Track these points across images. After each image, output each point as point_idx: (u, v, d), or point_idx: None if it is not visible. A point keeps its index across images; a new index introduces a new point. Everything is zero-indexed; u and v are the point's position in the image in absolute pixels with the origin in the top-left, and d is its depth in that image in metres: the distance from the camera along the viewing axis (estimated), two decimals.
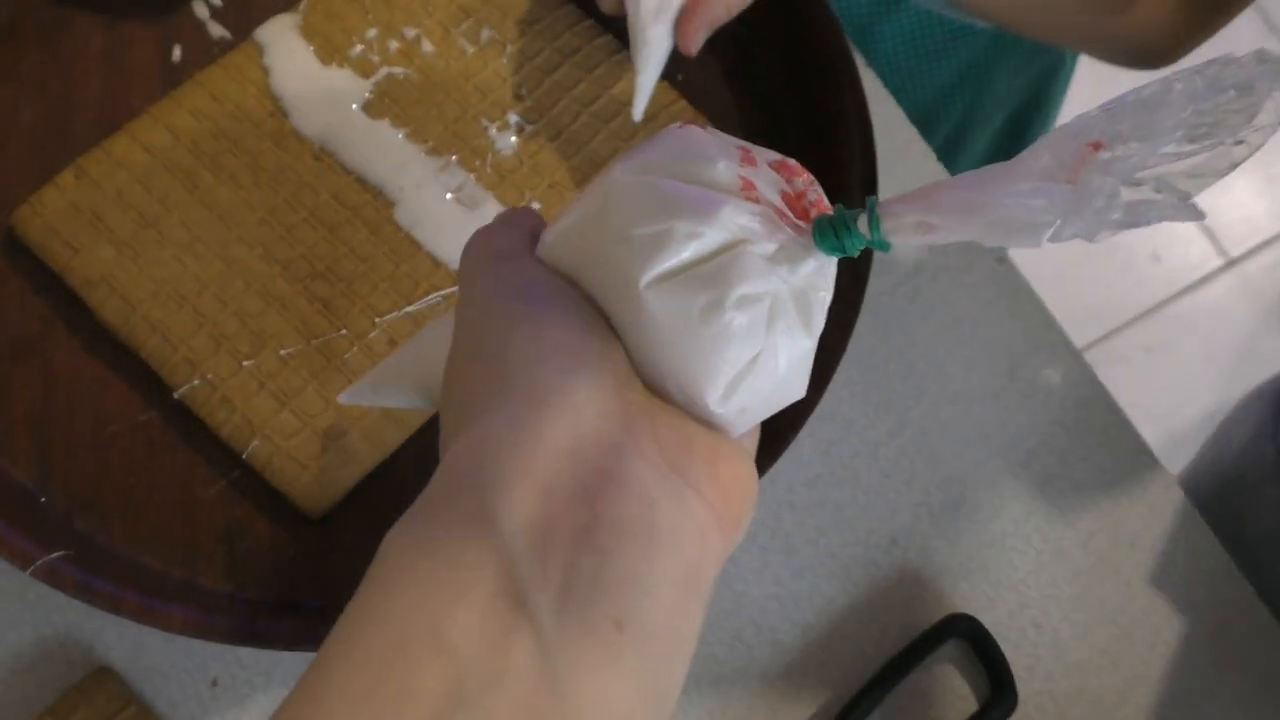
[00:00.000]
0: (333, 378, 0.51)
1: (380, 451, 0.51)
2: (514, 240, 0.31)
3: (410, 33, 0.58)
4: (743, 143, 0.30)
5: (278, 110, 0.56)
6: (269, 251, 0.53)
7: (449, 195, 0.55)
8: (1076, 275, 1.85)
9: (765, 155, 0.29)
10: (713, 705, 0.51)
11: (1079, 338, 1.89)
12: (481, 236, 0.32)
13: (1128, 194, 0.23)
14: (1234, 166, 0.23)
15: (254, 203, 0.54)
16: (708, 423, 0.28)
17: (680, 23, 0.50)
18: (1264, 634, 0.56)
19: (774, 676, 0.52)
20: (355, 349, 0.52)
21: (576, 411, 0.25)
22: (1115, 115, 0.24)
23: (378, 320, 0.52)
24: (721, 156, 0.28)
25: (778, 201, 0.28)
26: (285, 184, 0.54)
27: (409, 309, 0.52)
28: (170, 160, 0.54)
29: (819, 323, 0.29)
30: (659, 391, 0.28)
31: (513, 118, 0.57)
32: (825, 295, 0.29)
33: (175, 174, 0.54)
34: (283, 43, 0.57)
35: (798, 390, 0.29)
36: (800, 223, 0.28)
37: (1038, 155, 0.24)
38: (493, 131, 0.56)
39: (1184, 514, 0.57)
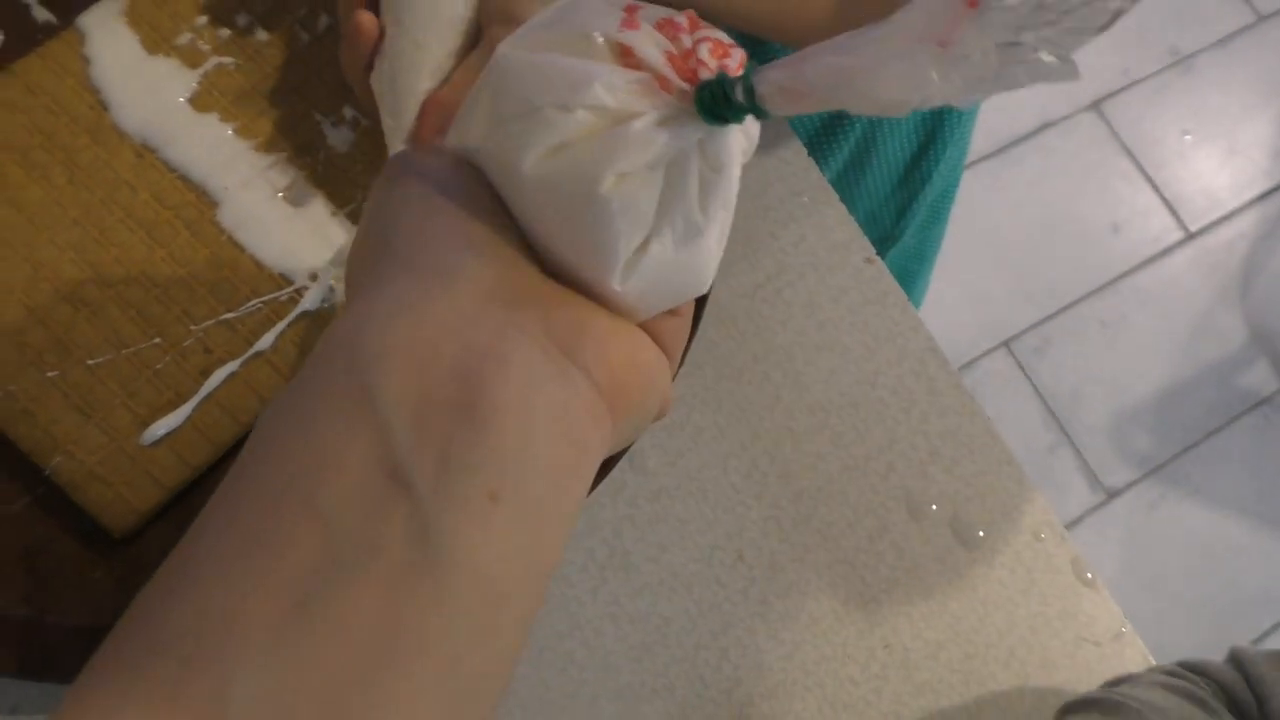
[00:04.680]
0: (143, 389, 0.49)
1: (190, 469, 0.48)
2: (424, 149, 0.31)
3: (243, 20, 0.55)
4: (631, 2, 0.28)
5: (98, 103, 0.53)
6: (81, 254, 0.50)
7: (278, 194, 0.52)
8: (1035, 247, 1.83)
9: (653, 14, 0.28)
10: None
11: (1037, 312, 1.88)
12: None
13: (1001, 55, 0.22)
14: (1113, 19, 0.22)
15: (67, 202, 0.51)
16: (608, 304, 0.28)
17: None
18: (1122, 657, 0.54)
19: (605, 701, 0.50)
20: (168, 359, 0.49)
21: (460, 288, 0.25)
22: None
23: (194, 328, 0.50)
24: (598, 22, 0.27)
25: (661, 66, 0.27)
26: (102, 182, 0.51)
27: (227, 316, 0.50)
28: None
29: (718, 202, 0.28)
30: (559, 272, 0.28)
31: (348, 112, 0.54)
32: (719, 175, 0.28)
33: None
34: (106, 30, 0.54)
35: (700, 280, 0.29)
36: (685, 86, 0.27)
37: (910, 16, 0.23)
38: (327, 126, 0.54)
39: (1046, 527, 0.55)
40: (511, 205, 0.28)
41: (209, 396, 0.49)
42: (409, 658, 0.22)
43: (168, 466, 0.48)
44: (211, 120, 0.53)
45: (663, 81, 0.26)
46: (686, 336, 0.32)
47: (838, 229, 0.58)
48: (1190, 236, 1.85)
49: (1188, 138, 1.91)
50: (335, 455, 0.23)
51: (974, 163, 1.79)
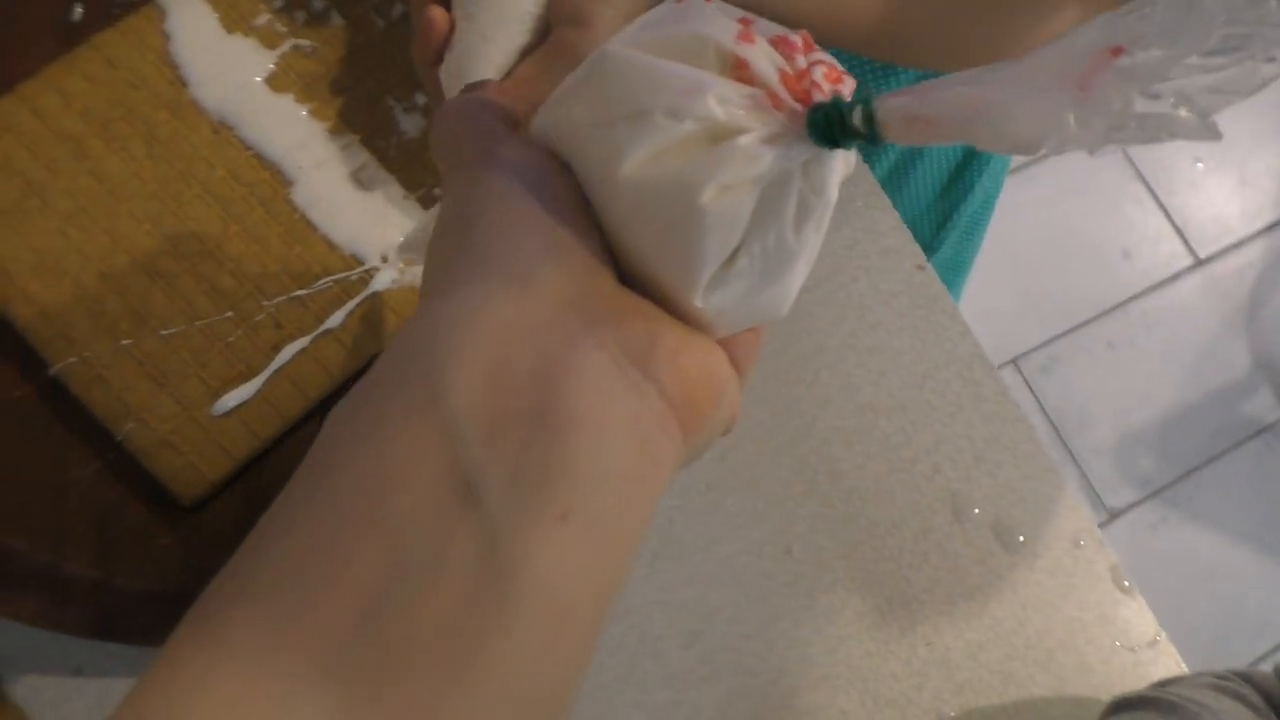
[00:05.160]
0: (214, 361, 0.50)
1: (258, 440, 0.49)
2: (496, 109, 0.31)
3: (319, 4, 0.56)
4: (745, 14, 0.28)
5: (177, 79, 0.54)
6: (157, 226, 0.51)
7: (350, 176, 0.53)
8: (1046, 266, 1.84)
9: (767, 29, 0.27)
10: (585, 715, 0.51)
11: (1045, 331, 1.89)
12: (457, 103, 0.32)
13: (1142, 106, 0.22)
14: (1263, 85, 0.21)
15: (145, 175, 0.52)
16: (686, 318, 0.27)
17: None
18: (1156, 664, 0.55)
19: (654, 686, 0.51)
20: (240, 332, 0.50)
21: (536, 296, 0.25)
22: (1141, 18, 0.22)
23: (265, 303, 0.51)
24: (716, 32, 0.27)
25: (774, 83, 0.26)
26: (179, 156, 0.52)
27: (298, 293, 0.51)
28: (60, 127, 0.52)
29: (811, 229, 0.27)
30: (638, 281, 0.27)
31: (420, 98, 0.55)
32: (819, 198, 0.27)
33: (64, 141, 0.52)
34: (186, 8, 0.55)
35: (782, 304, 0.28)
36: (797, 106, 0.26)
37: (1050, 56, 0.23)
38: (399, 111, 0.55)
39: (1085, 534, 0.56)
40: (599, 206, 0.28)
41: (279, 371, 0.50)
42: (472, 678, 0.22)
43: (237, 437, 0.49)
44: (287, 101, 0.54)
45: (775, 99, 0.26)
46: (758, 352, 0.31)
47: (889, 234, 0.59)
48: (1200, 263, 1.87)
49: (1199, 165, 1.93)
50: (405, 465, 0.23)
51: None
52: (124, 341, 0.49)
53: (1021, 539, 0.56)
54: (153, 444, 0.48)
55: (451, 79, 0.45)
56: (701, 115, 0.25)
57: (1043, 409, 1.72)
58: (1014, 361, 1.74)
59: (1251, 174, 1.95)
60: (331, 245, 0.52)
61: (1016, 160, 1.82)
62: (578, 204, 0.27)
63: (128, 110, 0.53)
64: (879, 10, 0.50)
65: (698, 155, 0.25)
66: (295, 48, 0.55)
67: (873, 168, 0.72)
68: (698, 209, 0.25)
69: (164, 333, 0.50)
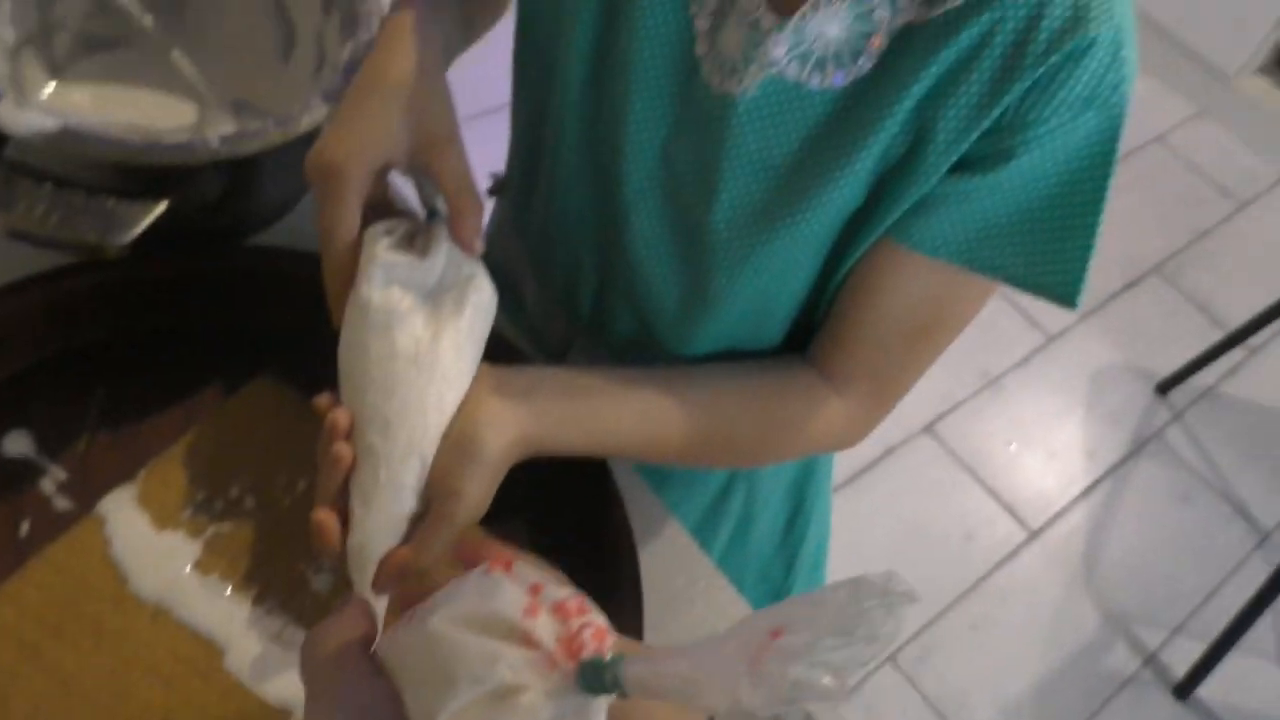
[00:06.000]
0: None
1: None
2: (352, 646, 0.41)
3: (234, 491, 0.67)
4: (536, 580, 0.39)
5: (117, 576, 0.63)
6: (109, 713, 0.59)
7: (274, 638, 0.63)
8: (899, 564, 1.97)
9: (551, 596, 0.39)
10: None
11: (914, 622, 1.99)
12: (321, 636, 0.42)
13: (795, 673, 0.32)
14: (874, 658, 0.32)
15: (95, 666, 0.60)
16: None
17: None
18: None
19: None
20: None
21: None
22: (790, 610, 0.33)
23: None
24: (509, 609, 0.38)
25: (552, 647, 0.38)
26: (124, 645, 0.61)
27: None
28: (18, 636, 0.60)
29: None
30: None
31: (326, 561, 0.66)
32: None
33: (22, 648, 0.60)
34: (122, 513, 0.65)
35: None
36: (569, 667, 0.38)
37: (734, 638, 0.34)
38: (310, 573, 0.65)
39: None
40: None
41: None
42: None
43: None
44: (213, 580, 0.64)
45: (552, 662, 0.38)
46: None
47: (731, 606, 0.71)
48: (1033, 535, 2.05)
49: (1012, 447, 2.16)
50: None
51: None
52: None
53: None
54: None
55: (356, 557, 0.57)
56: (496, 681, 0.37)
57: (925, 699, 1.81)
58: (892, 658, 1.84)
59: (1058, 446, 2.18)
60: (264, 702, 0.60)
61: (845, 473, 2.00)
62: None
63: (77, 611, 0.62)
64: (682, 440, 0.64)
65: (493, 711, 0.37)
66: (216, 533, 0.66)
67: (713, 544, 0.85)
68: None
69: None
